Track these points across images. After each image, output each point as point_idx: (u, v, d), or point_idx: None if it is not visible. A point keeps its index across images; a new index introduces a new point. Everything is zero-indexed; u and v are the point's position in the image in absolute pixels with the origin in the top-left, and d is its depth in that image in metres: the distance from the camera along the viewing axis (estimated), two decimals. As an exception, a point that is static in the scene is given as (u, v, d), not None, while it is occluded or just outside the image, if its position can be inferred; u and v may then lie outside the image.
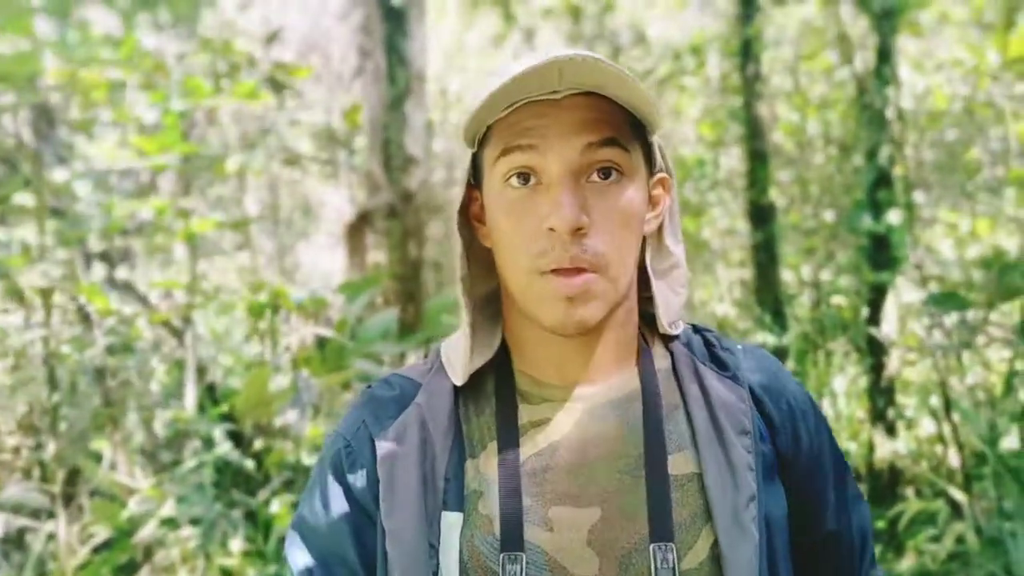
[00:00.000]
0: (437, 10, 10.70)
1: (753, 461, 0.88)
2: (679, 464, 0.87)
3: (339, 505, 0.89)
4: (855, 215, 4.39)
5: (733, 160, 6.59)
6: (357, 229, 4.81)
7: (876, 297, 4.50)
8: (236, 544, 2.93)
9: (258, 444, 3.18)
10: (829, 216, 5.84)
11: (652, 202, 0.91)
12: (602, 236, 0.82)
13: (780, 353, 5.43)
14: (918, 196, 4.59)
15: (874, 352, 4.50)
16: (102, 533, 3.21)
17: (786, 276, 6.10)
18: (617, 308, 0.87)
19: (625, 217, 0.84)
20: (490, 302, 0.95)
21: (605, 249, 0.82)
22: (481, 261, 0.93)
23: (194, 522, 2.97)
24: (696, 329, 1.00)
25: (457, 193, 0.90)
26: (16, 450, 4.53)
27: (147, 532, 2.88)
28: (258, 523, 3.17)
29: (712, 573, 0.83)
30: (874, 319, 4.51)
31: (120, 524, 3.15)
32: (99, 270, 3.34)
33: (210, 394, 3.48)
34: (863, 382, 4.82)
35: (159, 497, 2.87)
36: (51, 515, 3.24)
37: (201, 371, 3.36)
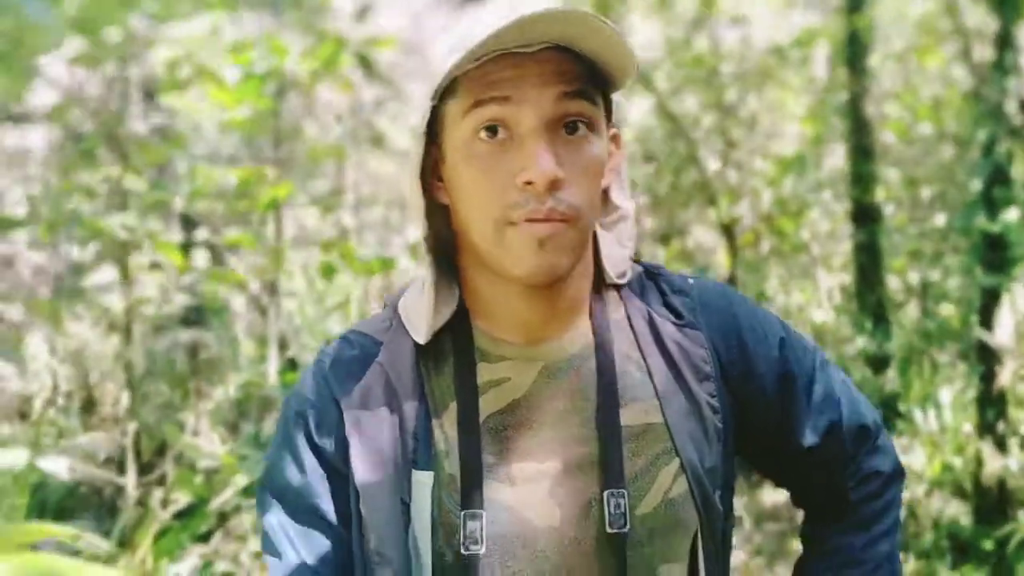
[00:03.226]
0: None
1: (717, 403, 0.92)
2: (633, 415, 0.89)
3: (310, 463, 0.89)
4: (968, 213, 4.11)
5: (836, 160, 6.31)
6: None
7: (989, 302, 4.19)
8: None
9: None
10: (939, 219, 5.53)
11: None
12: (575, 188, 0.82)
13: (882, 361, 5.16)
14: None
15: (985, 361, 4.20)
16: (183, 500, 3.26)
17: (891, 282, 5.80)
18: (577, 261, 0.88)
19: (594, 169, 0.85)
20: (445, 260, 0.93)
21: (578, 201, 0.82)
22: (437, 219, 0.91)
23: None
24: (648, 273, 1.00)
25: (415, 149, 0.87)
26: (116, 419, 4.69)
27: (224, 499, 2.90)
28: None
29: (667, 516, 0.87)
30: (986, 326, 4.21)
31: (200, 491, 3.18)
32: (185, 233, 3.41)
33: (292, 367, 3.51)
34: (971, 393, 4.51)
35: (234, 465, 2.89)
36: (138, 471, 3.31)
37: (283, 345, 3.39)
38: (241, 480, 2.86)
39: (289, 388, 3.27)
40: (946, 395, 4.76)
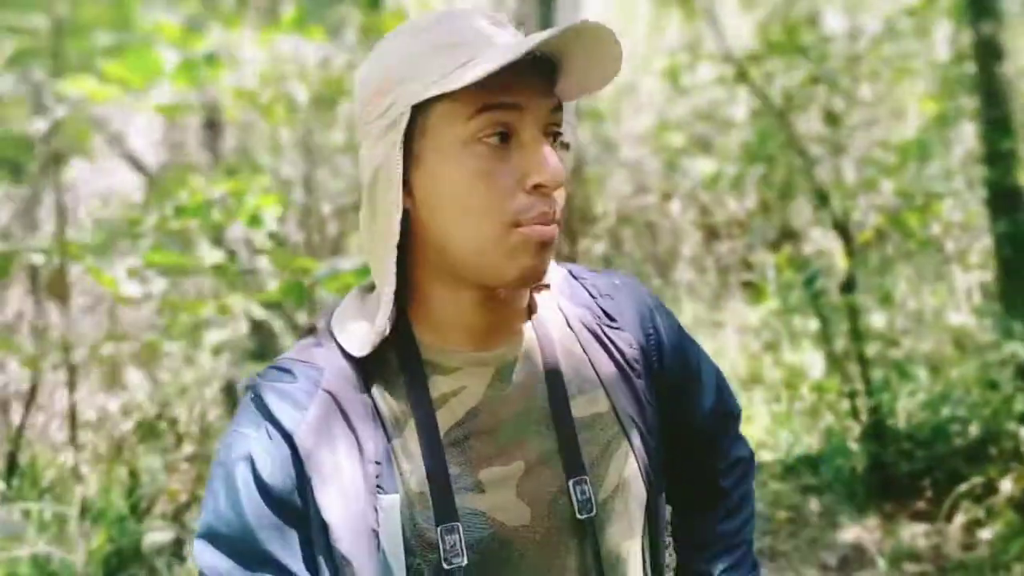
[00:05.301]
0: (627, 15, 10.37)
1: (652, 397, 0.99)
2: (583, 406, 0.94)
3: (257, 508, 0.83)
4: None
5: (966, 143, 5.60)
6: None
7: None
8: None
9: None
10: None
11: None
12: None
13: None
14: None
15: None
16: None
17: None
18: None
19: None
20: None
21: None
22: None
23: None
24: (572, 275, 1.04)
25: (394, 157, 0.85)
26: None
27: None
28: None
29: (621, 498, 0.93)
30: None
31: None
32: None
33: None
34: None
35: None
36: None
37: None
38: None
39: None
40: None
